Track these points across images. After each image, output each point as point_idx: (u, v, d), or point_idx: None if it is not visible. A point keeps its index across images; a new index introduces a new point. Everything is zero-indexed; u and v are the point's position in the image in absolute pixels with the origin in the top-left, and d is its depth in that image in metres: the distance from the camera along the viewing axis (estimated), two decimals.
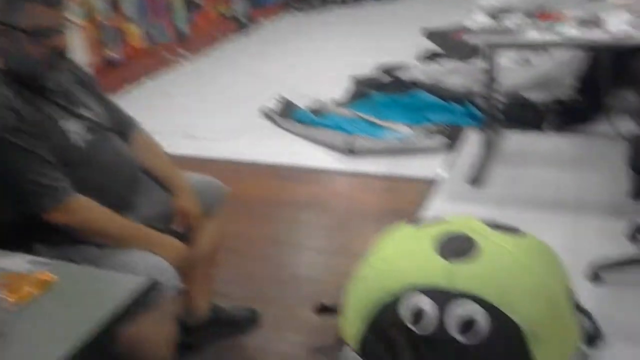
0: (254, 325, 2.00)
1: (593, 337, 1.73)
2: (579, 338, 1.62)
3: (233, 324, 1.96)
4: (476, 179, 2.75)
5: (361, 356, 1.65)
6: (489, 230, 1.62)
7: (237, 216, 2.77)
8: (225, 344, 1.93)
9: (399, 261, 1.60)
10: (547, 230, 2.33)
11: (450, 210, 2.55)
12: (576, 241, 2.25)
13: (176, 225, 1.66)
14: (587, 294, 1.95)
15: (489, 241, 1.57)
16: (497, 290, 1.48)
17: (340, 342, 1.74)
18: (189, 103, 4.26)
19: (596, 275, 2.02)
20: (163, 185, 1.71)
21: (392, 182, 2.92)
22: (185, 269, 1.80)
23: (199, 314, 1.88)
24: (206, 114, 4.00)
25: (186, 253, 1.55)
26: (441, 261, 1.53)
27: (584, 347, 1.68)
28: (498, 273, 1.51)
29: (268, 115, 3.78)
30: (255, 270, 2.34)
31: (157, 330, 1.39)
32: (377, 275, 1.61)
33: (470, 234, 1.59)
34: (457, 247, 1.55)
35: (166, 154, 1.78)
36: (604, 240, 2.23)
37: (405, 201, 2.71)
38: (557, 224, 2.37)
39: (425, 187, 2.80)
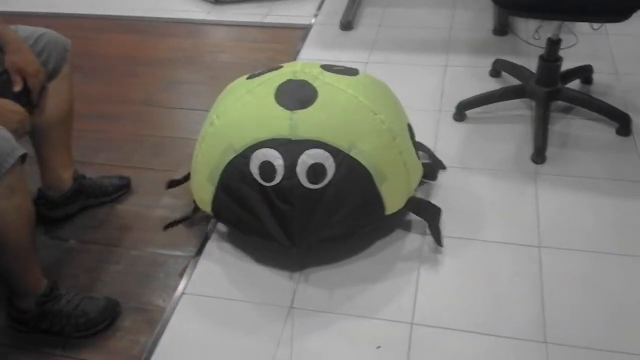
0: (126, 193, 1.90)
1: (434, 170, 1.82)
2: (421, 173, 1.70)
3: (102, 193, 1.85)
4: (347, 22, 2.67)
5: (215, 217, 1.63)
6: (326, 74, 1.58)
7: (94, 77, 2.53)
8: (98, 214, 1.83)
9: (241, 117, 1.54)
10: (418, 72, 2.37)
11: (322, 57, 2.49)
12: (446, 81, 2.30)
13: (15, 86, 1.45)
14: (452, 132, 2.04)
15: (327, 85, 1.55)
16: (337, 132, 1.48)
17: (196, 210, 1.70)
18: None
19: (460, 114, 2.09)
20: None
21: (264, 30, 2.77)
22: (35, 137, 1.63)
23: (61, 185, 1.74)
24: None
25: (29, 118, 1.38)
26: (283, 111, 1.49)
27: (426, 180, 1.78)
28: (337, 115, 1.50)
29: None
30: (123, 135, 2.18)
31: (8, 206, 1.25)
32: (222, 134, 1.54)
33: (309, 80, 1.55)
34: (296, 95, 1.52)
35: None
36: (472, 78, 2.30)
37: (278, 51, 2.60)
38: (428, 65, 2.40)
39: (297, 34, 2.69)
